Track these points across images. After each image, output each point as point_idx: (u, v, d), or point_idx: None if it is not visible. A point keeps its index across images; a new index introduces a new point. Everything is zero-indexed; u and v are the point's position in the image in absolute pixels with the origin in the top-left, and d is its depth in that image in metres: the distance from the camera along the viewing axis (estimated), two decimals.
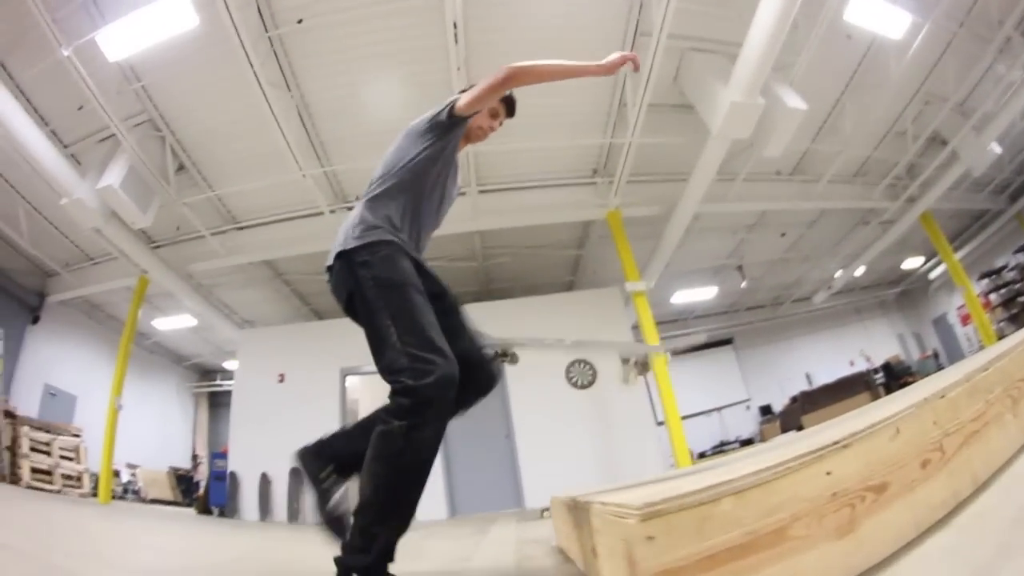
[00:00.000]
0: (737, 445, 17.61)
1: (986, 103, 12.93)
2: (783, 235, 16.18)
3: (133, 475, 15.13)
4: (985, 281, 19.40)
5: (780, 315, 22.96)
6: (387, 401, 2.19)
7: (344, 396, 12.08)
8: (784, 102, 8.75)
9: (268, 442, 11.00)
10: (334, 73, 8.63)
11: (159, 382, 18.43)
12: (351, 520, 2.14)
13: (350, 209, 10.75)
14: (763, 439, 17.56)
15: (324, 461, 2.44)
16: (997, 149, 14.01)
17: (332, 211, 10.64)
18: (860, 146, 13.09)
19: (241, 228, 11.34)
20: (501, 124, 3.00)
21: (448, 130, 2.68)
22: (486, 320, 10.79)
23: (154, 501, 14.79)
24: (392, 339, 2.19)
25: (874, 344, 25.93)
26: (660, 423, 12.75)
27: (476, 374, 2.48)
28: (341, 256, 2.45)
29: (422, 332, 2.19)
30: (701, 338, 13.87)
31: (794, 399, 17.13)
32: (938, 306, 26.00)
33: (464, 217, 10.66)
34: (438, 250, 12.13)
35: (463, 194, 9.98)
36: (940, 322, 26.80)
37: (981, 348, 14.75)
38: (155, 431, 17.22)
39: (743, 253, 16.60)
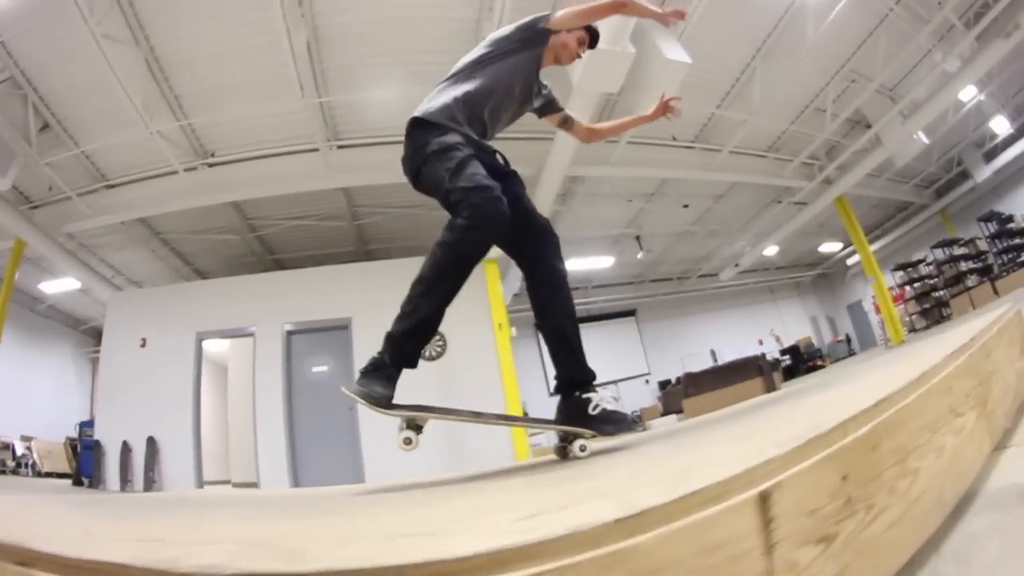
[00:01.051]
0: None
1: (917, 90, 12.35)
2: (686, 207, 15.41)
3: (28, 448, 14.06)
4: (900, 273, 19.36)
5: (687, 289, 22.32)
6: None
7: (199, 360, 11.36)
8: (663, 53, 7.64)
9: (130, 409, 10.69)
10: (182, 24, 7.89)
11: (54, 349, 17.13)
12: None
13: (211, 166, 9.83)
14: (641, 419, 16.43)
15: None
16: (924, 139, 13.56)
17: (187, 169, 9.91)
18: (773, 118, 12.28)
19: (111, 186, 10.56)
20: (581, 56, 3.10)
21: (536, 38, 2.88)
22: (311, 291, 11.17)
23: (49, 474, 13.90)
24: (447, 184, 2.51)
25: (786, 325, 26.19)
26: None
27: (536, 231, 2.95)
28: (411, 135, 2.83)
29: (473, 175, 2.47)
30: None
31: (678, 379, 16.12)
32: (854, 292, 26.74)
33: (317, 174, 10.01)
34: (301, 208, 11.79)
35: (316, 150, 9.76)
36: (855, 308, 27.77)
37: (887, 341, 14.98)
38: (51, 400, 16.18)
39: (642, 223, 15.90)
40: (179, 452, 10.43)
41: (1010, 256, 17.68)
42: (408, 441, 2.44)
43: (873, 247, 21.56)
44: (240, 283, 11.95)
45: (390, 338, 2.55)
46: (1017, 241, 17.72)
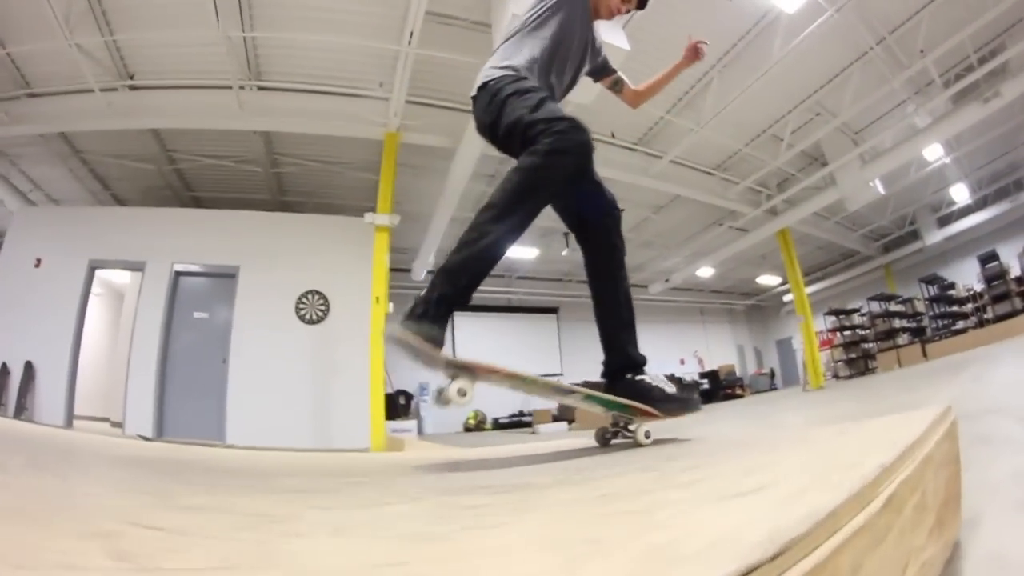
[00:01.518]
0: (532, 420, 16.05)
1: (882, 137, 11.94)
2: (622, 211, 14.08)
3: None
4: (833, 318, 19.22)
5: None
6: None
7: (88, 288, 10.64)
8: (599, 34, 6.44)
9: (15, 330, 9.96)
10: None
11: None
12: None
13: (132, 88, 9.10)
14: (533, 421, 15.89)
15: None
16: (880, 189, 13.33)
17: (105, 89, 8.96)
18: (726, 136, 11.65)
19: (33, 95, 9.58)
20: (628, 11, 2.97)
21: None
22: (205, 231, 10.74)
23: None
24: (528, 118, 2.27)
25: (711, 348, 26.06)
26: None
27: (604, 202, 2.70)
28: (483, 88, 2.58)
29: (555, 109, 2.31)
30: None
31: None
32: (786, 328, 26.56)
33: (231, 113, 9.24)
34: (219, 147, 11.05)
35: (242, 88, 9.07)
36: (784, 344, 27.88)
37: (806, 383, 14.62)
38: None
39: None
40: (55, 382, 9.71)
41: (944, 322, 17.86)
42: (462, 393, 1.95)
43: (811, 288, 21.81)
44: (141, 215, 11.21)
45: (444, 271, 2.21)
46: (954, 309, 17.89)
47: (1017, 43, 9.73)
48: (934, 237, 19.54)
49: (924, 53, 9.69)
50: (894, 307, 18.02)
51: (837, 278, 23.20)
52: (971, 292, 17.91)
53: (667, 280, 19.29)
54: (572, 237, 9.52)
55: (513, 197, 2.23)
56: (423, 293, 2.12)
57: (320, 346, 10.43)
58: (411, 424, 10.47)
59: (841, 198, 13.33)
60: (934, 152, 13.81)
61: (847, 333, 18.90)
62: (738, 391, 22.78)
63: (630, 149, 11.60)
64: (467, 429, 17.18)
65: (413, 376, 16.92)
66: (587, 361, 14.94)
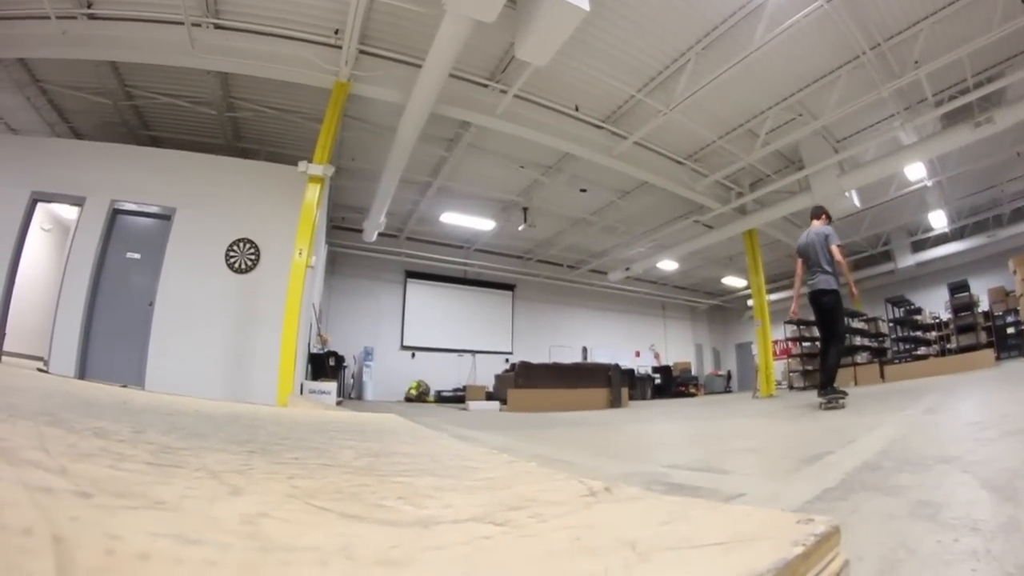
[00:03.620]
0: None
1: (864, 148, 11.54)
2: (584, 191, 14.05)
3: None
4: (793, 328, 18.64)
5: (574, 279, 21.19)
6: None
7: (28, 221, 10.04)
8: None
9: None
10: None
11: None
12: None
13: (91, 18, 8.45)
14: (466, 397, 15.18)
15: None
16: (856, 202, 12.82)
17: (62, 16, 8.32)
18: (700, 124, 11.10)
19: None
20: None
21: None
22: (147, 169, 10.12)
23: None
24: (841, 325, 7.34)
25: (669, 344, 25.85)
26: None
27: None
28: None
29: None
30: None
31: (513, 366, 14.44)
32: (747, 332, 26.24)
33: (182, 49, 8.63)
34: (176, 86, 10.50)
35: (197, 25, 8.57)
36: (744, 348, 27.89)
37: (757, 391, 14.42)
38: None
39: (533, 196, 14.39)
40: None
41: (906, 346, 17.90)
42: None
43: (777, 296, 21.84)
44: (86, 149, 10.55)
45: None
46: (917, 335, 17.90)
47: (1017, 71, 9.42)
48: (906, 261, 19.55)
49: (919, 65, 9.27)
50: (856, 323, 17.36)
51: (803, 288, 22.70)
52: (937, 320, 17.94)
53: (627, 269, 18.86)
54: (529, 212, 12.10)
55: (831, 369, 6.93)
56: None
57: (246, 296, 9.92)
58: (330, 386, 9.87)
59: (815, 205, 12.78)
60: (916, 172, 13.52)
61: (806, 345, 18.42)
62: (691, 389, 22.62)
63: (596, 126, 10.93)
64: (408, 399, 16.48)
65: (359, 340, 16.53)
66: (540, 345, 16.06)
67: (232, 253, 10.04)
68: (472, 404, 11.85)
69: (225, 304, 9.95)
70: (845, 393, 7.02)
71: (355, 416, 2.77)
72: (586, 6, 6.44)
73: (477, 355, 19.06)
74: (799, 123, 11.07)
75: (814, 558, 0.60)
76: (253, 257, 10.03)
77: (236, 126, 12.01)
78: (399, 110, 9.38)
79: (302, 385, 9.41)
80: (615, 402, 12.22)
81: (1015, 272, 14.02)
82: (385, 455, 1.45)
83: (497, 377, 14.52)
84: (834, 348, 6.81)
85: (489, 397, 13.28)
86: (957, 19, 8.78)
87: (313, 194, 8.57)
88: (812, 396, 11.57)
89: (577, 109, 10.52)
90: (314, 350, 11.69)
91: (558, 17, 6.52)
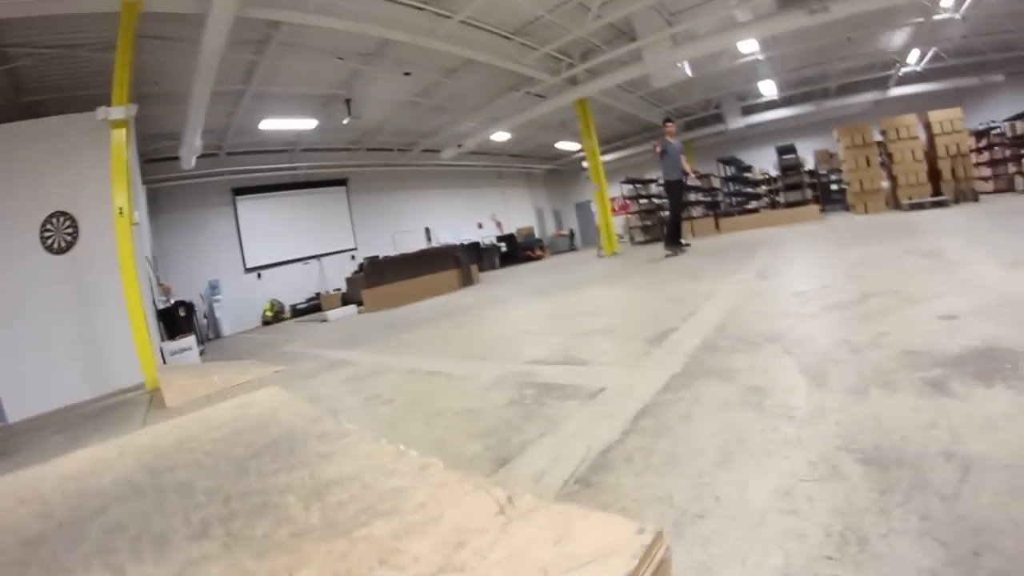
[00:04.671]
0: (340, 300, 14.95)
1: (699, 23, 11.85)
2: (407, 74, 13.39)
3: None
4: (630, 187, 20.03)
5: (406, 163, 20.62)
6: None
7: None
8: None
9: None
10: None
11: None
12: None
13: None
14: (321, 307, 15.15)
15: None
16: (688, 71, 13.16)
17: None
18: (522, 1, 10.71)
19: None
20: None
21: None
22: None
23: None
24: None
25: (510, 211, 26.49)
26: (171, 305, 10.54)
27: None
28: None
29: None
30: None
31: (362, 266, 14.36)
32: (585, 192, 27.34)
33: None
34: None
35: None
36: (584, 207, 29.37)
37: (600, 249, 15.01)
38: None
39: (355, 86, 13.54)
40: None
41: (738, 200, 19.29)
42: None
43: (610, 156, 22.71)
44: None
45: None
46: (748, 190, 19.49)
47: None
48: (737, 123, 20.72)
49: None
50: (691, 181, 18.77)
51: (637, 148, 23.90)
52: (766, 176, 19.59)
53: (460, 146, 18.70)
54: (352, 104, 13.32)
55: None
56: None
57: (75, 275, 8.59)
58: (190, 342, 9.25)
59: (647, 75, 13.18)
60: (749, 46, 13.93)
61: (643, 202, 19.96)
62: (538, 252, 23.90)
63: (418, 8, 10.15)
64: (266, 322, 15.92)
65: (201, 276, 15.44)
66: (383, 235, 15.11)
67: (47, 232, 8.48)
68: (330, 314, 11.66)
69: (53, 289, 8.53)
70: (688, 244, 11.02)
71: (244, 413, 2.61)
72: None
73: (323, 259, 18.43)
74: None
75: (646, 563, 0.91)
76: (71, 232, 8.57)
77: (16, 79, 10.07)
78: (201, 20, 8.10)
79: (161, 349, 8.58)
80: (466, 281, 12.53)
81: (839, 140, 15.33)
82: (325, 491, 1.53)
83: (348, 280, 14.20)
84: (677, 214, 10.76)
85: (345, 301, 13.03)
86: None
87: (120, 140, 7.32)
88: (652, 251, 12.85)
89: None
90: (160, 305, 10.92)
91: None
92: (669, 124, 10.79)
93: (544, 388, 2.72)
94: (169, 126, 12.35)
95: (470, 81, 14.22)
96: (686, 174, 10.65)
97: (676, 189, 10.70)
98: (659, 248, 12.83)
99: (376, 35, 10.29)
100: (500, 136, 18.95)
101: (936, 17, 14.18)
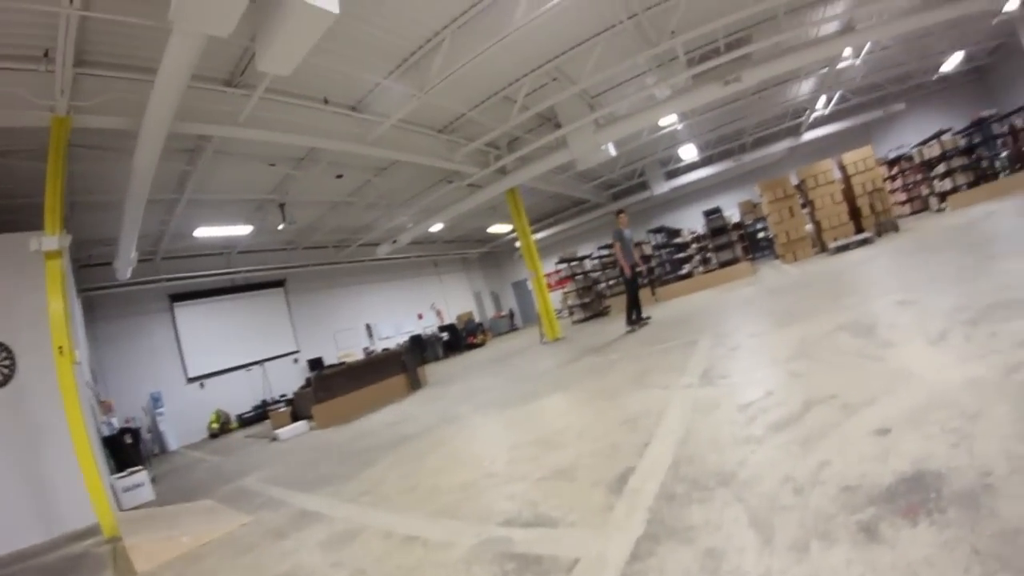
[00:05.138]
0: (283, 406, 14.02)
1: (619, 105, 12.31)
2: (340, 177, 13.70)
3: None
4: (565, 265, 20.40)
5: (343, 260, 20.58)
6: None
7: None
8: None
9: None
10: None
11: None
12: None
13: None
14: (267, 415, 14.68)
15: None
16: (612, 151, 13.55)
17: None
18: (454, 99, 11.18)
19: None
20: None
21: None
22: None
23: None
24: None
25: (449, 298, 26.64)
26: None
27: None
28: None
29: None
30: None
31: (309, 381, 13.74)
32: (521, 270, 28.21)
33: None
34: None
35: None
36: (520, 285, 29.97)
37: (543, 336, 14.83)
38: None
39: (288, 189, 13.69)
40: None
41: (672, 266, 19.61)
42: None
43: (543, 234, 23.74)
44: None
45: None
46: (679, 256, 19.88)
47: (763, 38, 10.88)
48: (661, 188, 21.79)
49: (675, 34, 10.07)
50: (639, 268, 19.01)
51: (569, 223, 24.56)
52: (695, 234, 20.22)
53: (395, 241, 18.74)
54: (287, 207, 14.04)
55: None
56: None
57: (13, 412, 7.94)
58: (142, 477, 8.67)
59: (575, 159, 13.54)
60: (668, 119, 14.64)
61: (579, 278, 20.20)
62: (480, 338, 23.95)
63: (345, 115, 10.51)
64: (212, 435, 15.52)
65: (142, 388, 14.97)
66: (324, 334, 15.96)
67: None
68: (281, 432, 11.19)
69: None
70: (649, 317, 11.91)
71: None
72: (335, 8, 5.84)
73: (266, 364, 18.03)
74: (556, 87, 11.36)
75: None
76: (7, 365, 7.98)
77: None
78: (133, 133, 8.08)
79: (113, 486, 7.91)
80: (414, 385, 12.46)
81: (761, 195, 16.21)
82: None
83: (296, 395, 13.63)
84: (633, 296, 11.46)
85: (295, 416, 12.62)
86: None
87: (56, 273, 6.89)
88: (595, 332, 13.22)
89: (327, 102, 9.97)
90: (105, 431, 10.40)
91: (304, 23, 5.89)
92: (622, 215, 11.56)
93: (523, 561, 2.82)
94: (103, 231, 12.21)
95: (402, 178, 14.56)
96: (636, 265, 11.55)
97: (634, 276, 11.37)
98: (602, 327, 13.57)
99: (306, 144, 10.51)
100: (435, 227, 19.15)
101: (838, 65, 15.30)
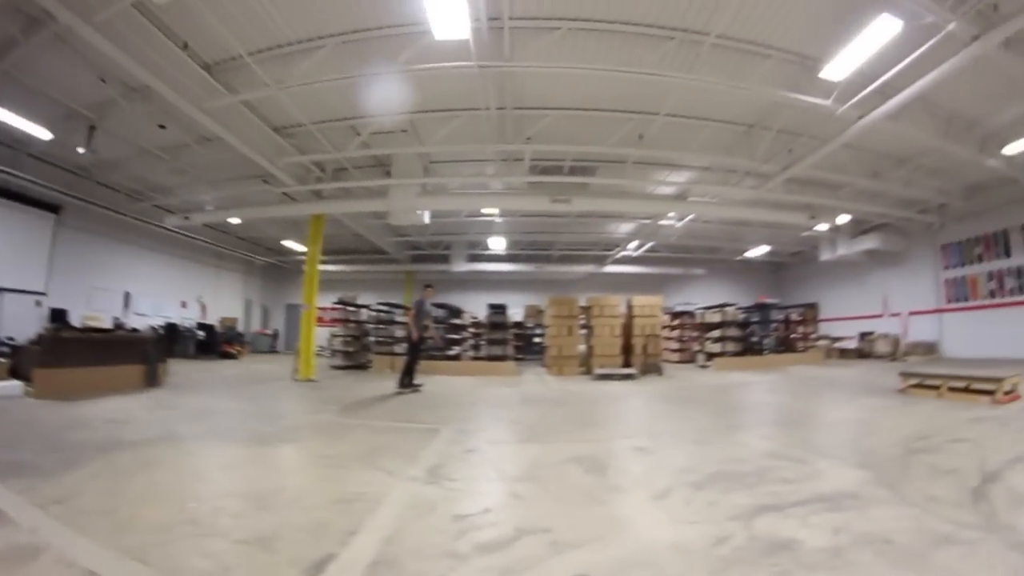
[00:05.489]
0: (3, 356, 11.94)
1: (452, 180, 13.39)
2: (163, 128, 12.89)
3: None
4: (342, 306, 19.98)
5: (132, 214, 18.62)
6: None
7: None
8: None
9: None
10: None
11: None
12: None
13: None
14: None
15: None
16: (426, 219, 14.03)
17: None
18: (303, 105, 11.28)
19: None
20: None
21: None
22: None
23: None
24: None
25: (220, 296, 25.61)
26: None
27: None
28: None
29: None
30: None
31: (40, 338, 11.46)
32: (299, 294, 26.26)
33: None
34: None
35: None
36: (294, 309, 28.62)
37: (296, 371, 14.01)
38: None
39: (107, 115, 12.61)
40: None
41: (444, 343, 19.32)
42: None
43: (333, 267, 24.25)
44: None
45: None
46: (454, 336, 19.45)
47: (606, 175, 12.36)
48: (461, 267, 22.79)
49: (530, 141, 10.94)
50: (401, 317, 19.18)
51: (363, 267, 24.96)
52: (475, 320, 20.39)
53: (187, 218, 17.66)
54: (95, 136, 12.71)
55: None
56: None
57: None
58: None
59: (389, 211, 13.74)
60: (491, 208, 15.58)
61: (351, 325, 19.70)
62: (236, 349, 22.87)
63: (196, 69, 10.04)
64: None
65: None
66: (77, 284, 15.23)
67: None
68: None
69: None
70: (422, 385, 12.12)
71: None
72: None
73: (5, 294, 15.20)
74: (403, 138, 11.73)
75: None
76: None
77: None
78: None
79: None
80: (151, 381, 11.47)
81: (549, 308, 17.29)
82: None
83: (23, 347, 11.95)
84: (413, 362, 11.85)
85: (13, 372, 10.86)
86: (581, 121, 10.61)
87: None
88: (347, 386, 12.81)
89: (186, 47, 9.57)
90: None
91: None
92: (429, 289, 12.34)
93: None
94: None
95: (222, 157, 13.89)
96: (429, 336, 12.63)
97: (418, 344, 12.06)
98: (357, 381, 13.64)
99: (142, 79, 9.79)
100: (234, 219, 18.16)
101: (660, 222, 16.66)
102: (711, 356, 18.75)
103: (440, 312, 19.72)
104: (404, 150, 11.88)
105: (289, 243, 23.57)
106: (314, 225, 14.99)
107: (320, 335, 17.43)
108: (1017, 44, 8.56)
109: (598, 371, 15.23)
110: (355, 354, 19.06)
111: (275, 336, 27.54)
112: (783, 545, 3.51)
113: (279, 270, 28.81)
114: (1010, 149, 12.62)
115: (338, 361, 18.73)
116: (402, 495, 4.61)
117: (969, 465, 5.47)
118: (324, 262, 18.74)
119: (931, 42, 8.23)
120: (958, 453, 6.00)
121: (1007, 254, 16.82)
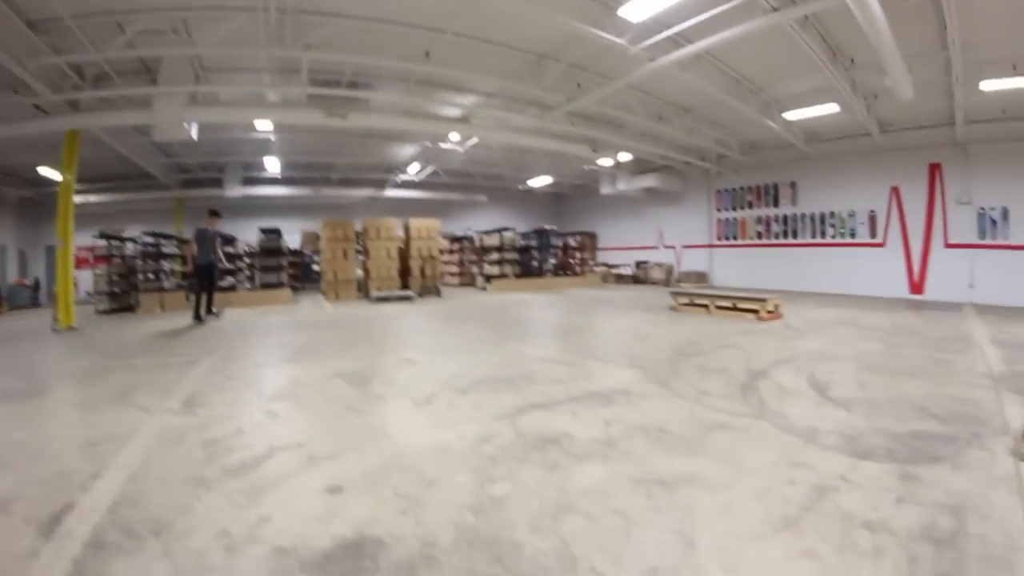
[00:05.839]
0: None
1: (225, 90, 12.24)
2: None
3: None
4: (105, 242, 16.85)
5: None
6: None
7: None
8: None
9: None
10: None
11: None
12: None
13: None
14: None
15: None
16: (194, 135, 12.37)
17: None
18: None
19: None
20: None
21: None
22: None
23: None
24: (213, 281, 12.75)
25: None
26: None
27: None
28: None
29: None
30: None
31: None
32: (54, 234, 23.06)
33: None
34: None
35: None
36: (54, 251, 23.74)
37: (56, 321, 12.13)
38: None
39: None
40: None
41: (247, 274, 18.93)
42: None
43: (95, 198, 20.81)
44: None
45: None
46: (229, 266, 18.16)
47: (386, 90, 12.01)
48: (235, 191, 21.11)
49: (309, 48, 10.14)
50: (222, 266, 15.93)
51: (129, 194, 21.55)
52: (249, 249, 19.34)
53: None
54: None
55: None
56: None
57: None
58: None
59: (146, 125, 12.53)
60: (265, 125, 14.21)
61: (117, 261, 16.84)
62: None
63: None
64: None
65: None
66: None
67: None
68: None
69: None
70: (220, 313, 12.99)
71: None
72: None
73: None
74: (174, 40, 10.20)
75: None
76: None
77: None
78: None
79: None
80: None
81: (323, 231, 16.99)
82: None
83: None
84: (206, 292, 12.51)
85: None
86: (365, 31, 10.17)
87: None
88: (115, 328, 11.82)
89: None
90: None
91: None
92: (214, 216, 12.65)
93: None
94: None
95: None
96: (219, 260, 12.96)
97: (206, 272, 12.42)
98: (124, 324, 12.67)
99: None
100: None
101: (443, 145, 16.52)
102: (490, 279, 19.23)
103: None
104: (173, 51, 10.44)
105: (46, 171, 18.38)
106: (69, 144, 12.45)
107: (84, 279, 15.49)
108: (814, 24, 9.41)
109: (375, 294, 15.14)
110: (122, 295, 16.53)
111: (36, 286, 22.65)
112: (552, 439, 3.64)
113: (37, 205, 22.59)
114: (791, 115, 14.18)
115: (102, 305, 16.24)
116: (152, 429, 4.34)
117: (737, 366, 6.07)
118: (83, 191, 16.65)
119: (735, 1, 8.64)
120: (727, 357, 6.66)
121: (775, 204, 19.62)
